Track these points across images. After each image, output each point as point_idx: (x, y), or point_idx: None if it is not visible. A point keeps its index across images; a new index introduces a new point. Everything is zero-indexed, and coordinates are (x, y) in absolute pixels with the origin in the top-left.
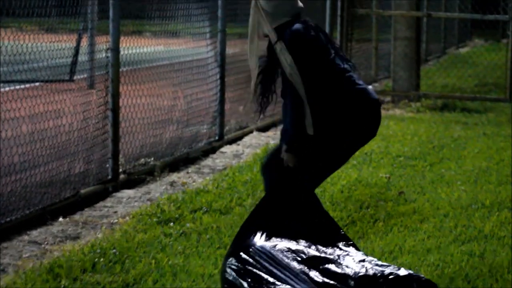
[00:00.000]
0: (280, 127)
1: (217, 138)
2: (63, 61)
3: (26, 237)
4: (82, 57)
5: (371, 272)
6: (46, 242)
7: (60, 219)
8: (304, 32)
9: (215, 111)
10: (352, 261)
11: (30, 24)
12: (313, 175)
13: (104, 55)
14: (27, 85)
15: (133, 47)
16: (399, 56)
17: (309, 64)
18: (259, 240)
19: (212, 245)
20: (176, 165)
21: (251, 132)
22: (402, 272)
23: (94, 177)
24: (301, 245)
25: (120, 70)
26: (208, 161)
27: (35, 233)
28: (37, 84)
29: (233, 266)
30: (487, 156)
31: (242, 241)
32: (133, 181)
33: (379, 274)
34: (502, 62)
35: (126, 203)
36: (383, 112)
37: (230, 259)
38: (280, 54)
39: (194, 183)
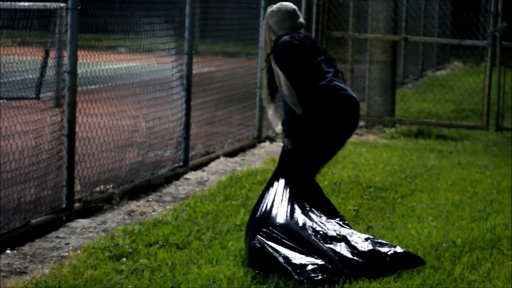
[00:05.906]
0: (247, 152)
1: (181, 163)
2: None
3: None
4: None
5: (372, 247)
6: None
7: (8, 251)
8: (288, 42)
9: (179, 136)
10: (358, 238)
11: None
12: (311, 161)
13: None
14: None
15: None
16: (374, 80)
17: (294, 66)
18: (280, 217)
19: (165, 284)
20: (136, 192)
21: (218, 157)
22: (399, 249)
23: (47, 205)
24: (314, 222)
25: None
26: (170, 189)
27: None
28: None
29: (261, 237)
30: (461, 189)
31: (266, 217)
32: (89, 210)
33: (381, 250)
34: (480, 87)
35: (80, 234)
36: (356, 138)
37: (260, 233)
38: (272, 63)
39: (153, 213)
